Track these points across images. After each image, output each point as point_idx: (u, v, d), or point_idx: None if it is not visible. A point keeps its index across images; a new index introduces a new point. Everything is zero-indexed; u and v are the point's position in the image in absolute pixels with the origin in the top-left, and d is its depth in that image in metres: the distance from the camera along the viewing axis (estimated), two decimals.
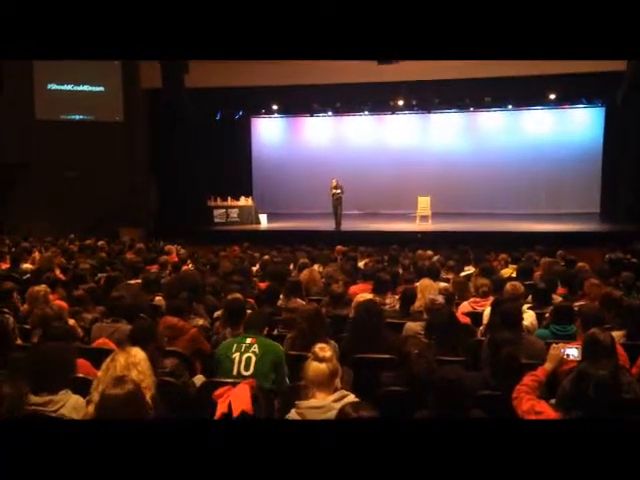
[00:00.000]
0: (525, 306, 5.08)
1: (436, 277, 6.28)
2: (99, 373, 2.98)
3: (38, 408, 2.90)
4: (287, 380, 3.84)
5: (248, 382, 3.28)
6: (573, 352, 3.38)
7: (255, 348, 3.75)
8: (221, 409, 3.07)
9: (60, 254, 9.10)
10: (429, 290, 5.11)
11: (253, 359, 3.70)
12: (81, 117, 16.57)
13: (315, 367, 3.00)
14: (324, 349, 3.08)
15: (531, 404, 2.94)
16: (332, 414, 2.66)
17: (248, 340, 3.82)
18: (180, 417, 3.11)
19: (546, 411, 2.85)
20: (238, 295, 5.01)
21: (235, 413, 3.02)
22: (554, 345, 3.48)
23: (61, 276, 6.88)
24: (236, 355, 3.73)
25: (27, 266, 8.13)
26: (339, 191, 14.84)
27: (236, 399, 3.09)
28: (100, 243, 11.05)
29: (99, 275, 7.19)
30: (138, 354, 3.04)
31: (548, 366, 3.31)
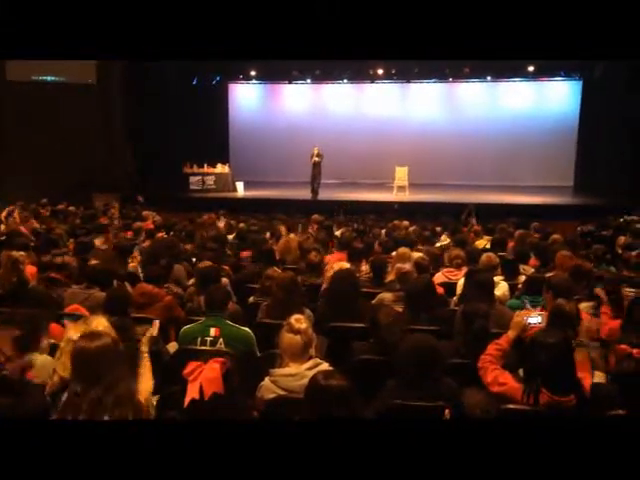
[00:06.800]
0: (497, 277, 5.13)
1: (412, 247, 6.31)
2: (61, 344, 2.87)
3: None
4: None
5: (218, 360, 3.17)
6: (536, 320, 3.43)
7: (221, 344, 3.46)
8: (192, 393, 2.90)
9: (32, 218, 8.95)
10: (404, 259, 5.13)
11: None
12: (52, 79, 16.10)
13: (289, 338, 3.00)
14: (299, 320, 3.08)
15: (495, 375, 2.99)
16: (305, 382, 2.68)
17: (212, 332, 3.51)
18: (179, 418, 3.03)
19: (509, 382, 2.92)
20: (210, 262, 4.99)
21: (207, 396, 2.93)
22: (517, 312, 3.52)
23: (33, 239, 6.78)
24: None
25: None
26: (319, 159, 14.76)
27: (207, 381, 2.98)
28: (71, 208, 10.87)
29: (71, 240, 7.10)
30: (100, 324, 2.91)
31: (511, 334, 3.33)
